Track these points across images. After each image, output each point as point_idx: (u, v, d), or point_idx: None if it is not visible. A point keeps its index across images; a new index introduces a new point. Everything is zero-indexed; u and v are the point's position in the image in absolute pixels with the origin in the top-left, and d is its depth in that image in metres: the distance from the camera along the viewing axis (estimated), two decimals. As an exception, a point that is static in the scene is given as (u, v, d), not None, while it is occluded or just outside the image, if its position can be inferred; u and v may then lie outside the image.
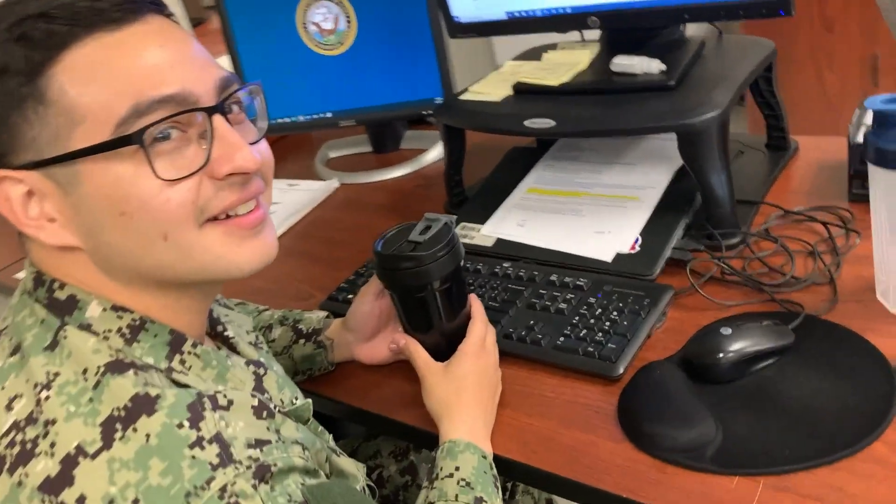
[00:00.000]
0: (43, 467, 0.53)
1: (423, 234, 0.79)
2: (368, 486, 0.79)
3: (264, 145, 0.65)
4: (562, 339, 0.87)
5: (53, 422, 0.54)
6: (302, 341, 0.94)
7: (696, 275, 0.93)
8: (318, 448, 0.63)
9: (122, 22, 0.56)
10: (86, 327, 0.59)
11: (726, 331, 0.79)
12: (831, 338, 0.80)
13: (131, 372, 0.56)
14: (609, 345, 0.84)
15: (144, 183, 0.56)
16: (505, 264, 1.02)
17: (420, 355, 0.82)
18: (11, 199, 0.57)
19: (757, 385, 0.77)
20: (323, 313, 0.97)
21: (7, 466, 0.54)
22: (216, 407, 0.56)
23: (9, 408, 0.56)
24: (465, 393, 0.79)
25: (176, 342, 0.62)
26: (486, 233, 1.10)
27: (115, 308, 0.60)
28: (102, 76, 0.55)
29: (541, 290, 0.95)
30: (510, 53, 1.27)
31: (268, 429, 0.58)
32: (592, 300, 0.91)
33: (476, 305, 0.84)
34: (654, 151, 1.11)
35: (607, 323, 0.87)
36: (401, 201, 1.36)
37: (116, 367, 0.56)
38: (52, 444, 0.53)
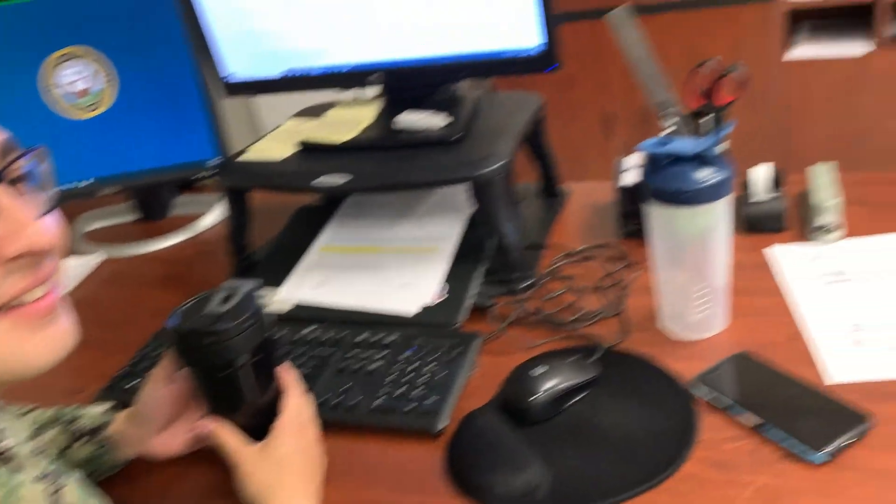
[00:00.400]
0: None
1: (223, 303, 0.72)
2: None
3: (55, 217, 0.56)
4: (379, 400, 0.84)
5: None
6: (78, 444, 0.81)
7: (500, 319, 0.95)
8: None
9: None
10: None
11: (535, 372, 0.81)
12: (629, 366, 0.85)
13: None
14: (429, 399, 0.83)
15: None
16: (308, 328, 0.97)
17: (229, 440, 0.74)
18: None
19: (574, 420, 0.79)
20: (103, 406, 0.85)
21: None
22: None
23: None
24: (289, 474, 0.72)
25: None
26: (284, 297, 1.05)
27: None
28: None
29: (351, 352, 0.92)
30: (275, 112, 1.24)
31: None
32: (405, 355, 0.89)
33: (287, 376, 0.78)
34: (443, 202, 1.13)
35: (423, 377, 0.86)
36: (179, 271, 1.26)
37: None
38: None
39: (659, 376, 0.83)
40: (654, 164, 0.80)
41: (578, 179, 1.28)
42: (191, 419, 0.80)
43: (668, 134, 0.91)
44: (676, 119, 0.93)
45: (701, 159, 0.78)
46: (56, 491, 0.56)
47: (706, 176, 0.78)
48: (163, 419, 0.80)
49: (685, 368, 0.82)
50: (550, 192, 1.25)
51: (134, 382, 0.94)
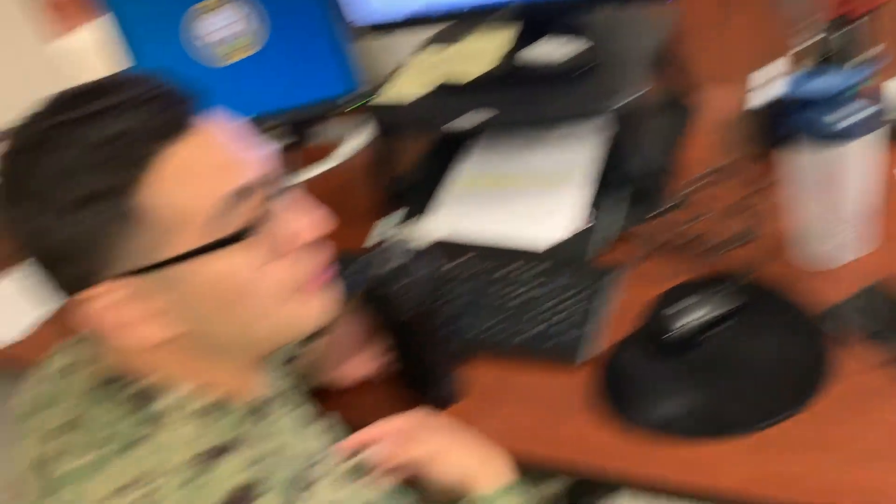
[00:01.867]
0: None
1: (393, 261, 0.81)
2: None
3: (313, 204, 0.67)
4: (525, 332, 0.92)
5: None
6: (283, 368, 0.95)
7: (638, 249, 1.00)
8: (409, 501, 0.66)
9: (186, 127, 0.58)
10: (171, 412, 0.61)
11: (677, 304, 0.87)
12: (767, 296, 0.89)
13: (222, 459, 0.58)
14: (571, 331, 0.90)
15: (244, 272, 0.60)
16: (451, 263, 1.05)
17: (406, 453, 0.78)
18: (108, 308, 0.59)
19: (715, 350, 0.85)
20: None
21: None
22: (302, 487, 0.59)
23: (119, 495, 0.57)
24: (455, 445, 0.78)
25: (249, 414, 0.65)
26: (426, 232, 1.13)
27: (194, 391, 0.63)
28: (183, 183, 0.58)
29: (494, 286, 0.99)
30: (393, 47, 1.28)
31: (357, 494, 0.61)
32: (547, 289, 0.96)
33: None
34: (581, 129, 1.16)
35: (565, 309, 0.93)
36: (329, 201, 1.34)
37: (209, 456, 0.59)
38: None
39: (796, 306, 0.87)
40: (796, 97, 0.80)
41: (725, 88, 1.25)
42: (370, 353, 0.92)
43: (810, 67, 0.89)
44: (812, 35, 0.90)
45: (843, 95, 0.78)
46: (320, 434, 0.70)
47: (849, 112, 0.78)
48: (346, 352, 0.92)
49: (823, 297, 0.85)
50: (680, 106, 1.24)
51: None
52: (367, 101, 1.18)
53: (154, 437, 0.60)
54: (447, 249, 1.09)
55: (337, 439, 0.74)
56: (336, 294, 0.70)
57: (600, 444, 0.80)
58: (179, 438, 0.60)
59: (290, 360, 0.95)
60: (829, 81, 0.79)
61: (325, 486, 0.60)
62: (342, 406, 0.93)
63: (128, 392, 0.62)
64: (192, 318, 0.61)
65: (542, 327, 0.92)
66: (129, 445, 0.59)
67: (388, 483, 0.68)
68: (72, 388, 0.66)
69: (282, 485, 0.58)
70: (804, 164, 0.84)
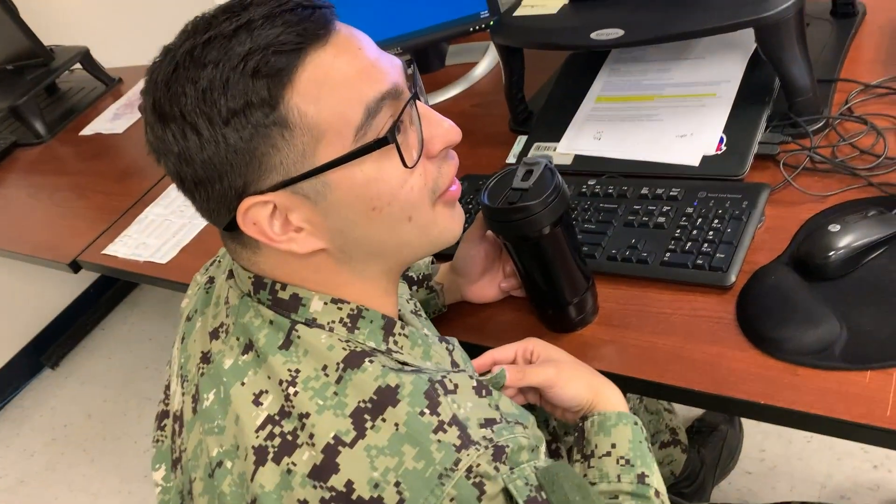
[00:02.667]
0: (308, 457, 0.58)
1: (525, 179, 0.81)
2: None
3: (443, 116, 0.68)
4: (668, 254, 0.90)
5: (307, 415, 0.60)
6: (415, 288, 0.98)
7: (788, 168, 0.94)
8: (532, 421, 0.66)
9: (326, 35, 0.59)
10: (311, 322, 0.64)
11: (834, 227, 0.81)
12: (938, 217, 0.82)
13: (367, 362, 0.61)
14: (717, 254, 0.87)
15: (391, 176, 0.62)
16: (590, 181, 1.03)
17: (536, 376, 0.77)
18: (259, 221, 0.61)
19: (872, 276, 0.79)
20: (427, 258, 1.01)
21: (271, 456, 0.60)
22: (447, 392, 0.60)
23: (257, 402, 0.62)
24: (580, 368, 0.79)
25: (388, 326, 0.67)
26: (563, 150, 1.11)
27: (334, 301, 0.65)
28: (330, 90, 0.59)
29: (635, 206, 0.97)
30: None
31: (489, 406, 0.62)
32: (690, 209, 0.93)
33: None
34: (723, 41, 1.09)
35: (710, 232, 0.89)
36: (462, 124, 1.33)
37: (353, 360, 0.62)
38: (311, 436, 0.59)
39: (973, 228, 0.79)
40: None
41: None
42: (500, 273, 0.93)
43: None
44: None
45: None
46: (451, 351, 0.72)
47: None
48: (477, 272, 0.94)
49: None
50: (844, 11, 1.13)
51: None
52: (499, 19, 1.15)
53: (299, 344, 0.63)
54: (586, 166, 1.07)
55: (464, 358, 0.76)
56: (461, 208, 0.71)
57: (740, 373, 0.77)
58: (324, 344, 0.63)
59: (420, 281, 0.98)
60: None
61: (464, 393, 0.62)
62: (467, 329, 0.96)
63: (266, 302, 0.66)
64: (339, 228, 0.63)
65: (688, 247, 0.89)
66: (268, 355, 0.63)
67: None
68: (223, 295, 0.71)
69: (426, 387, 0.60)
70: None
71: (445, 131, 0.65)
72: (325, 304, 0.65)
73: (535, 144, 1.15)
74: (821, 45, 1.10)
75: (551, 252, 0.82)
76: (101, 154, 1.95)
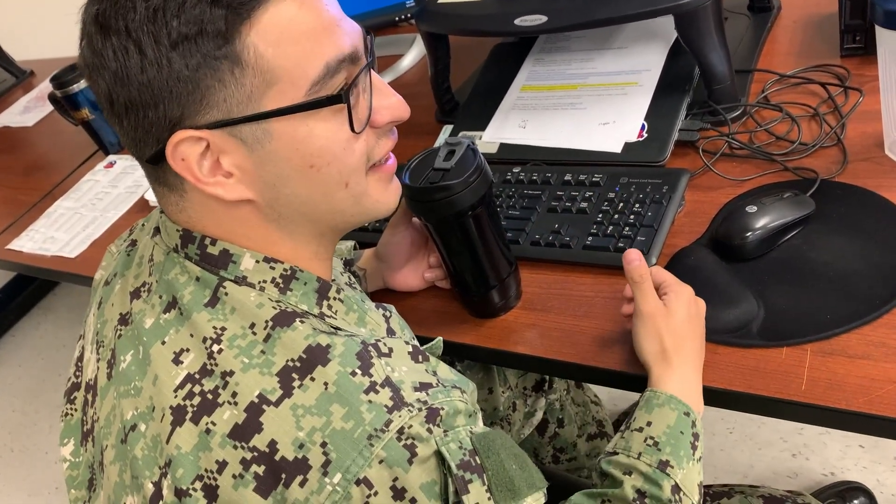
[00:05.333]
0: (229, 416, 0.56)
1: (447, 160, 0.79)
2: None
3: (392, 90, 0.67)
4: (590, 238, 0.89)
5: (231, 373, 0.57)
6: None
7: (707, 153, 0.95)
8: (472, 388, 0.64)
9: None
10: (241, 280, 0.62)
11: (751, 209, 0.82)
12: (848, 199, 0.84)
13: (297, 322, 0.59)
14: (638, 238, 0.87)
15: (335, 137, 0.60)
16: (515, 169, 1.02)
17: (649, 293, 0.74)
18: (188, 158, 0.58)
19: (787, 256, 0.81)
20: (350, 243, 0.98)
21: (189, 416, 0.57)
22: (380, 354, 0.58)
23: (177, 361, 0.59)
24: (686, 342, 0.72)
25: (322, 289, 0.65)
26: (488, 139, 1.10)
27: (267, 259, 0.63)
28: (292, 38, 0.56)
29: (558, 192, 0.96)
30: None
31: (425, 371, 0.60)
32: (612, 194, 0.93)
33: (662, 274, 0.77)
34: (644, 31, 1.10)
35: (631, 216, 0.89)
36: None
37: (283, 319, 0.59)
38: (234, 395, 0.56)
39: (881, 207, 0.81)
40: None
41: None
42: (424, 261, 0.91)
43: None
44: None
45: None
46: (387, 318, 0.70)
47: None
48: (401, 259, 0.92)
49: (912, 201, 0.80)
50: (760, 6, 1.16)
51: (377, 224, 1.05)
52: (424, 6, 1.14)
53: (226, 302, 0.60)
54: (511, 155, 1.06)
55: (401, 325, 0.73)
56: (397, 182, 0.69)
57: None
58: (253, 302, 0.60)
59: (346, 264, 0.95)
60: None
61: (399, 357, 0.60)
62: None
63: (194, 258, 0.63)
64: (271, 180, 0.60)
65: (609, 231, 0.88)
66: (192, 311, 0.60)
67: None
68: (147, 254, 0.68)
69: (358, 348, 0.58)
70: (889, 48, 0.77)
71: (395, 105, 0.64)
72: (258, 262, 0.62)
73: (461, 133, 1.13)
74: (738, 37, 1.12)
75: (473, 233, 0.80)
76: (9, 148, 1.85)
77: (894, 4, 0.73)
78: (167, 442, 0.57)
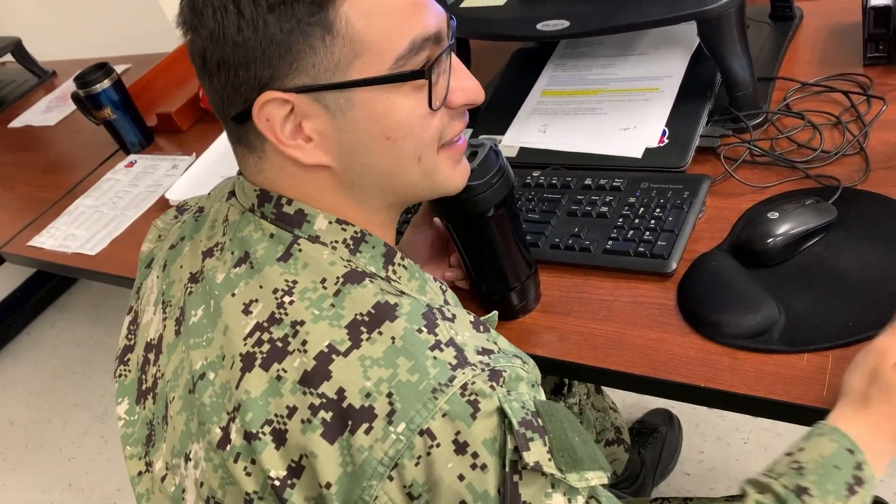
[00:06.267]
0: (299, 363, 0.57)
1: (470, 160, 0.79)
2: None
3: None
4: (610, 242, 0.89)
5: (301, 323, 0.59)
6: None
7: (728, 160, 0.95)
8: (532, 363, 0.65)
9: None
10: (314, 238, 0.64)
11: (773, 215, 0.82)
12: (871, 207, 0.83)
13: (367, 281, 0.61)
14: (659, 242, 0.87)
15: (414, 112, 0.62)
16: (535, 173, 1.03)
17: (894, 336, 0.66)
18: (273, 119, 0.60)
19: (809, 262, 0.80)
20: None
21: (259, 362, 0.59)
22: (444, 318, 0.60)
23: (246, 311, 0.61)
24: (892, 397, 0.64)
25: (389, 254, 0.66)
26: (508, 143, 1.10)
27: (339, 221, 0.65)
28: (383, 12, 0.58)
29: (578, 196, 0.96)
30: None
31: (487, 339, 0.61)
32: (632, 199, 0.93)
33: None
34: (666, 37, 1.10)
35: (652, 220, 0.89)
36: None
37: (353, 277, 0.61)
38: (304, 343, 0.58)
39: (904, 217, 0.81)
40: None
41: (814, -3, 1.18)
42: (445, 262, 0.92)
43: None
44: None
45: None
46: (444, 291, 0.71)
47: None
48: (421, 259, 0.92)
49: (936, 210, 0.79)
50: (782, 14, 1.16)
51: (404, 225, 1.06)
52: (446, 13, 1.14)
53: (299, 258, 0.62)
54: (531, 159, 1.06)
55: (455, 301, 0.74)
56: (466, 162, 0.72)
57: (680, 357, 0.77)
58: (325, 259, 0.62)
59: None
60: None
61: (462, 324, 0.61)
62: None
63: (270, 216, 0.64)
64: (349, 148, 0.62)
65: (630, 235, 0.88)
66: (265, 265, 0.62)
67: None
68: (220, 217, 0.70)
69: (424, 310, 0.59)
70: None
71: (472, 88, 0.66)
72: (330, 223, 0.64)
73: (481, 137, 1.14)
74: (760, 45, 1.12)
75: (494, 235, 0.80)
76: (32, 146, 1.87)
77: (920, 12, 0.73)
78: (237, 388, 0.59)
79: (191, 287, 0.68)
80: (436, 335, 0.58)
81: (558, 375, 1.10)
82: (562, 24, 1.00)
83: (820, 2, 1.17)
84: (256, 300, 0.61)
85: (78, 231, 1.41)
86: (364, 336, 0.57)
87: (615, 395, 1.46)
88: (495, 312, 0.78)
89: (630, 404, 1.65)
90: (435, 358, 0.56)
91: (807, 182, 0.89)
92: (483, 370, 0.56)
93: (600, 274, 0.89)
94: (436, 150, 0.66)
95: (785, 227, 0.81)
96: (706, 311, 0.79)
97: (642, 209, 0.91)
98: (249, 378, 0.59)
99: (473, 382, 0.55)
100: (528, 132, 1.10)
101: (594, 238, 0.91)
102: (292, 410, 0.57)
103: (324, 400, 0.56)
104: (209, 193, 0.80)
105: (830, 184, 0.87)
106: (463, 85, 0.66)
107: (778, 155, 0.93)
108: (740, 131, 0.98)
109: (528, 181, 1.02)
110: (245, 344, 0.60)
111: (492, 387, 0.56)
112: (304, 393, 0.56)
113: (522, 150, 1.09)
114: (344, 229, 0.65)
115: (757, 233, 0.82)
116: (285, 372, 0.58)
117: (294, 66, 0.58)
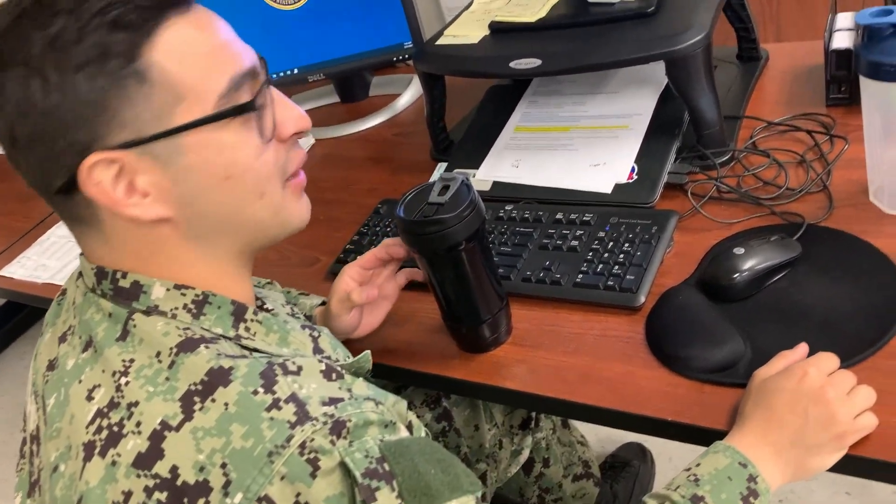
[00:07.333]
0: (133, 445, 0.56)
1: (441, 194, 0.80)
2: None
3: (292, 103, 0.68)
4: (580, 276, 0.90)
5: (136, 403, 0.57)
6: None
7: (695, 196, 0.97)
8: (392, 401, 0.63)
9: (187, 7, 0.60)
10: (153, 310, 0.62)
11: (739, 250, 0.83)
12: (834, 243, 0.85)
13: (202, 347, 0.59)
14: (627, 276, 0.88)
15: (248, 146, 0.62)
16: (507, 207, 1.04)
17: (774, 365, 0.72)
18: (103, 182, 0.58)
19: (774, 298, 0.82)
20: (318, 299, 0.96)
21: (98, 450, 0.57)
22: (287, 372, 0.58)
23: (89, 398, 0.60)
24: (773, 411, 0.68)
25: (238, 311, 0.65)
26: (482, 177, 1.12)
27: (178, 287, 0.63)
28: (195, 53, 0.59)
29: (549, 230, 0.98)
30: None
31: (338, 388, 0.59)
32: (602, 234, 0.94)
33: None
34: (636, 76, 1.12)
35: (621, 255, 0.90)
36: (384, 152, 1.36)
37: (187, 345, 0.59)
38: (138, 424, 0.56)
39: (866, 252, 0.83)
40: (872, 36, 0.76)
41: (779, 40, 1.22)
42: (375, 290, 0.89)
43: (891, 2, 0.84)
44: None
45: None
46: (315, 337, 0.70)
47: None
48: (353, 326, 0.90)
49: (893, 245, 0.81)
50: (748, 56, 1.19)
51: (356, 256, 1.06)
52: (421, 47, 1.16)
53: (135, 334, 0.61)
54: (503, 193, 1.08)
55: (332, 345, 0.73)
56: (307, 198, 0.71)
57: (649, 391, 0.77)
58: (159, 331, 0.60)
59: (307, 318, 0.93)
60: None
61: (309, 375, 0.59)
62: (380, 352, 0.92)
63: (108, 293, 0.63)
64: (188, 197, 0.61)
65: (599, 269, 0.89)
66: (104, 348, 0.61)
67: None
68: (71, 299, 0.69)
69: (262, 368, 0.57)
70: (883, 102, 0.80)
71: (298, 115, 0.66)
72: (168, 290, 0.62)
73: (455, 171, 1.15)
74: (728, 85, 1.15)
75: (466, 267, 0.81)
76: (4, 176, 1.85)
77: (878, 56, 0.76)
78: (80, 478, 0.57)
79: (48, 375, 0.66)
80: (273, 393, 0.55)
81: (528, 408, 1.10)
82: (534, 62, 1.03)
83: (785, 44, 1.20)
84: (99, 385, 0.60)
85: (49, 261, 1.39)
86: (197, 406, 0.55)
87: (587, 429, 1.46)
88: (367, 352, 0.75)
89: (602, 438, 1.65)
90: (272, 419, 0.54)
91: (772, 218, 0.91)
92: (325, 423, 0.54)
93: (571, 307, 0.90)
94: (280, 185, 0.66)
95: (750, 263, 0.82)
96: (674, 345, 0.80)
97: (612, 243, 0.92)
98: (89, 468, 0.57)
99: (312, 440, 0.53)
100: (501, 167, 1.11)
101: (565, 271, 0.92)
102: (128, 495, 0.55)
103: (157, 480, 0.54)
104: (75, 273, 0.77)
105: (795, 220, 0.89)
106: (289, 115, 0.65)
107: (744, 192, 0.95)
108: (707, 168, 1.00)
109: (500, 215, 1.03)
110: (87, 432, 0.58)
111: (332, 441, 0.54)
112: (139, 476, 0.55)
113: (496, 185, 1.10)
114: (184, 294, 0.63)
115: (723, 268, 0.83)
116: (119, 456, 0.56)
117: (114, 122, 0.57)
